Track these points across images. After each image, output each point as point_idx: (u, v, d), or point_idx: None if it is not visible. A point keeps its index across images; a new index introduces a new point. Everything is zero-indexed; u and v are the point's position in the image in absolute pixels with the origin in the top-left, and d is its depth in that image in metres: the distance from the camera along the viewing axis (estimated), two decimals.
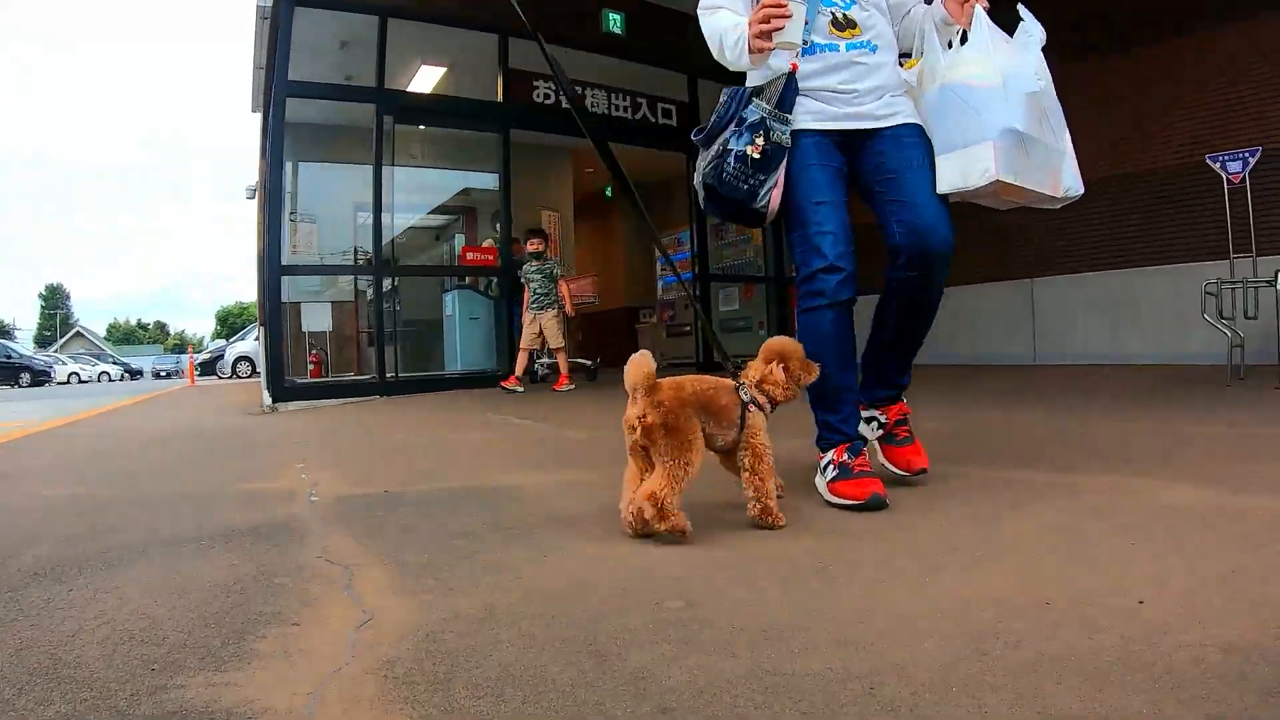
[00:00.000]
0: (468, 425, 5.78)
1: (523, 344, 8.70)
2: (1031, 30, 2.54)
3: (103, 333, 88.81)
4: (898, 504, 2.45)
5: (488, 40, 9.52)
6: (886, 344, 2.76)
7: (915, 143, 2.60)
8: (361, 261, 10.26)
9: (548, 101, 9.94)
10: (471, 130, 10.70)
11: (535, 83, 9.89)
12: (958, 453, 3.33)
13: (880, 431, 2.78)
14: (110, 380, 41.89)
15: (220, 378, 29.30)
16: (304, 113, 9.57)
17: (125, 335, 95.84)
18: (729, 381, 2.36)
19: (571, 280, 10.42)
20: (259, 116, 12.16)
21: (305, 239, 10.59)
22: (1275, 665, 1.21)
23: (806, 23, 2.43)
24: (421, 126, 10.97)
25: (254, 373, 25.76)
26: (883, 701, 1.17)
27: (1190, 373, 6.83)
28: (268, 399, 8.19)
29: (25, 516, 2.91)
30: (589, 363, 10.00)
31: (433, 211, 13.61)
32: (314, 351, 11.70)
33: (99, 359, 51.23)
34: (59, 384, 35.40)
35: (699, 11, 2.71)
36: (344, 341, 12.49)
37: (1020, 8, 2.57)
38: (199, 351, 39.15)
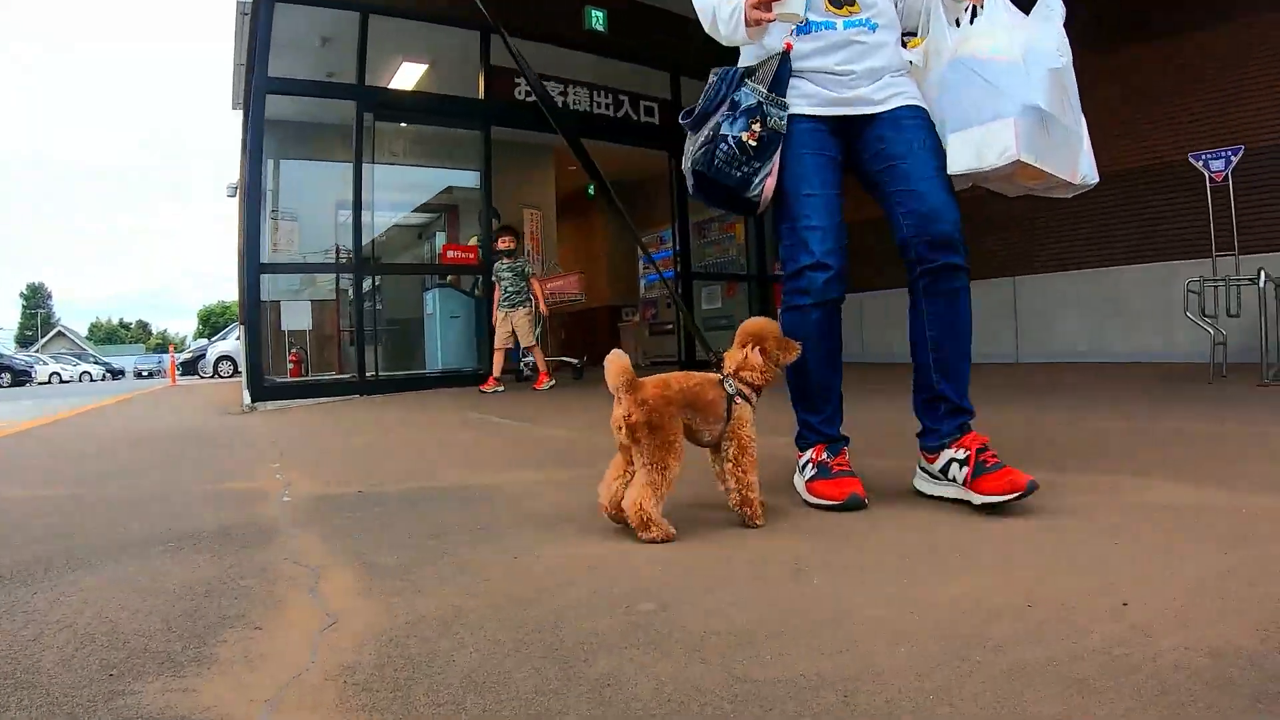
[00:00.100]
0: (446, 424, 5.75)
1: (496, 344, 8.64)
2: (1052, 3, 2.38)
3: (85, 332, 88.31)
4: (877, 504, 2.41)
5: (469, 37, 9.47)
6: (930, 366, 2.46)
7: (916, 124, 2.43)
8: (343, 260, 10.19)
9: (529, 99, 9.84)
10: (452, 127, 10.67)
11: (517, 80, 9.83)
12: None
13: (966, 470, 2.30)
14: (92, 380, 41.65)
15: (202, 377, 29.21)
16: (285, 110, 9.52)
17: (107, 335, 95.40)
18: (715, 376, 2.32)
19: (556, 278, 10.38)
20: (240, 114, 12.09)
21: (286, 237, 10.52)
22: (1263, 670, 1.17)
23: None
24: (403, 124, 10.92)
25: (236, 372, 25.63)
26: (857, 710, 1.13)
27: (1173, 371, 6.86)
28: (247, 398, 8.12)
29: None
30: (575, 361, 9.97)
31: (415, 210, 13.56)
32: (294, 350, 11.63)
33: (80, 359, 51.05)
34: (40, 384, 35.26)
35: None
36: (324, 340, 12.40)
37: None
38: (181, 351, 38.94)
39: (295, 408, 7.86)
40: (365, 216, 9.01)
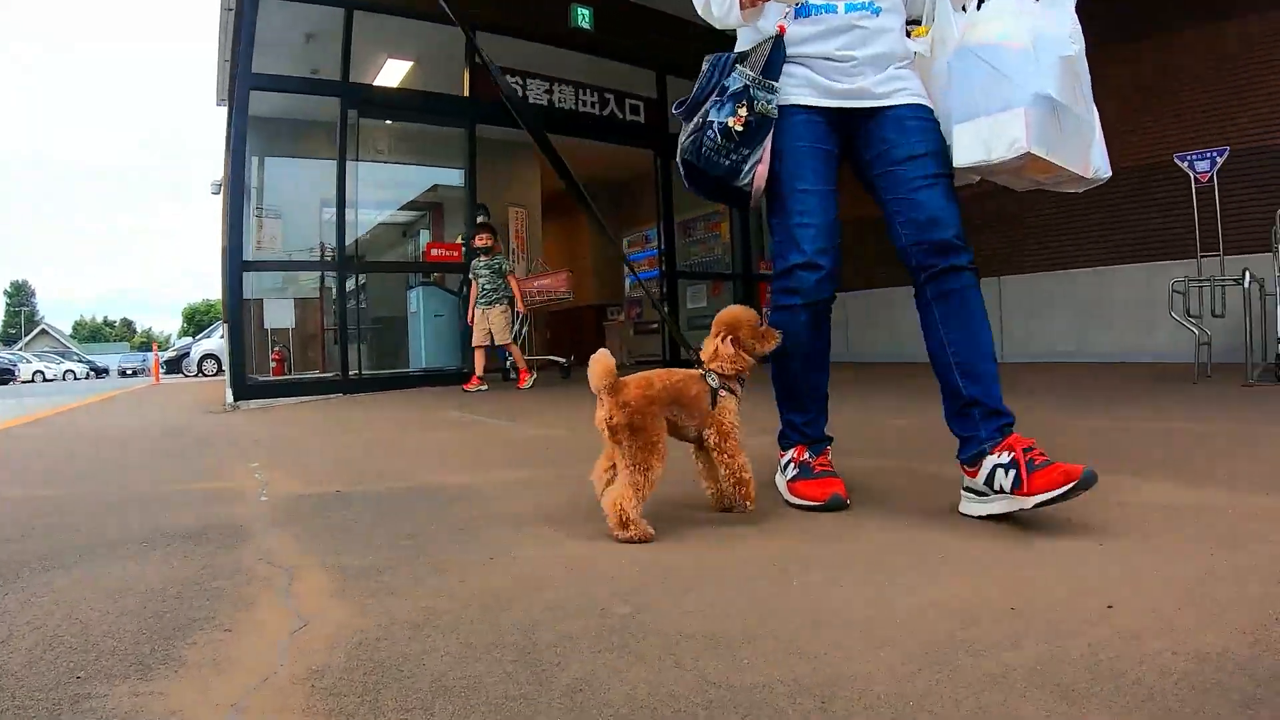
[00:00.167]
0: (428, 423, 5.71)
1: (474, 342, 8.60)
2: None
3: (69, 330, 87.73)
4: (859, 505, 2.39)
5: (454, 34, 9.36)
6: (952, 369, 2.26)
7: (919, 126, 2.30)
8: (327, 258, 10.12)
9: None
10: (437, 125, 10.62)
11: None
12: (922, 451, 3.30)
13: (1013, 473, 2.05)
14: (76, 378, 41.39)
15: (186, 375, 29.02)
16: (269, 106, 9.46)
17: (91, 333, 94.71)
18: (697, 371, 2.31)
19: (544, 276, 10.33)
20: (224, 111, 12.00)
21: (270, 234, 10.45)
22: (1250, 674, 1.15)
23: None
24: (387, 121, 10.87)
25: (220, 371, 25.49)
26: (835, 716, 1.10)
27: (1158, 370, 6.88)
28: (230, 397, 8.06)
29: None
30: (563, 360, 9.94)
31: (400, 208, 13.51)
32: (277, 349, 11.57)
33: (64, 357, 50.70)
34: (23, 382, 35.01)
35: None
36: (308, 339, 12.35)
37: None
38: (165, 349, 38.71)
39: (278, 406, 7.81)
40: (349, 214, 8.96)
